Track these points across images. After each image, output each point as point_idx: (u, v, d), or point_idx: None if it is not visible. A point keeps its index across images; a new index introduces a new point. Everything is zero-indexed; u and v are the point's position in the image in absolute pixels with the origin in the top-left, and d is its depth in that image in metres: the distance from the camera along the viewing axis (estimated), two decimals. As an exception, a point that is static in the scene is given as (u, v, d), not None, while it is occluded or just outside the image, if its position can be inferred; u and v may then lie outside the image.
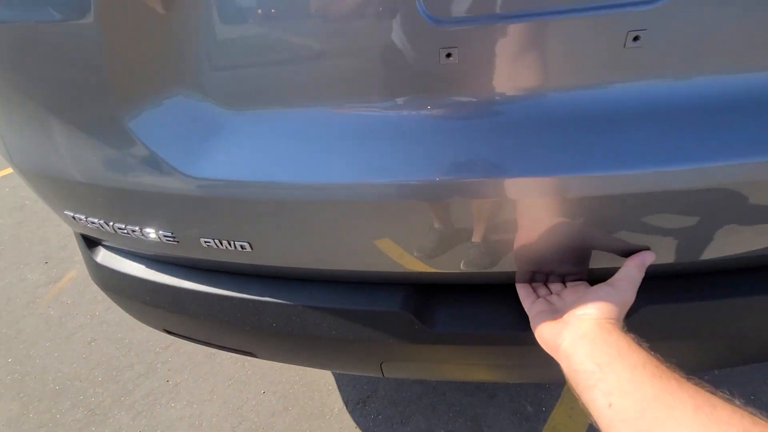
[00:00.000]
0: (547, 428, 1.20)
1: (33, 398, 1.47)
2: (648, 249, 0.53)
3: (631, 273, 0.51)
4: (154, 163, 0.52)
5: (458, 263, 0.57)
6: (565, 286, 0.58)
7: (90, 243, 0.82)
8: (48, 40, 0.46)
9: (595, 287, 0.52)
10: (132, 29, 0.45)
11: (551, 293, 0.58)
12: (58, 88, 0.51)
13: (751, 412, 0.31)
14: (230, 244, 0.60)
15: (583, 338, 0.45)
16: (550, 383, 1.30)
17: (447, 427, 1.23)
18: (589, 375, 0.41)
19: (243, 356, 1.41)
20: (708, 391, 0.34)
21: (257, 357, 0.85)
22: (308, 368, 1.42)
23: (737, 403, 0.32)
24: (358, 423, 1.27)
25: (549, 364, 0.50)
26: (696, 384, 0.35)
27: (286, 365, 1.44)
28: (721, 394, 0.33)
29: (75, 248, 2.20)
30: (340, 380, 1.40)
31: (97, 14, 0.43)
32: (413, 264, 0.58)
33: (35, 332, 1.73)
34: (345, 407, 1.32)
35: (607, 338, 0.44)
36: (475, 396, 1.30)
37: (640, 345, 0.42)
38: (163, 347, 1.59)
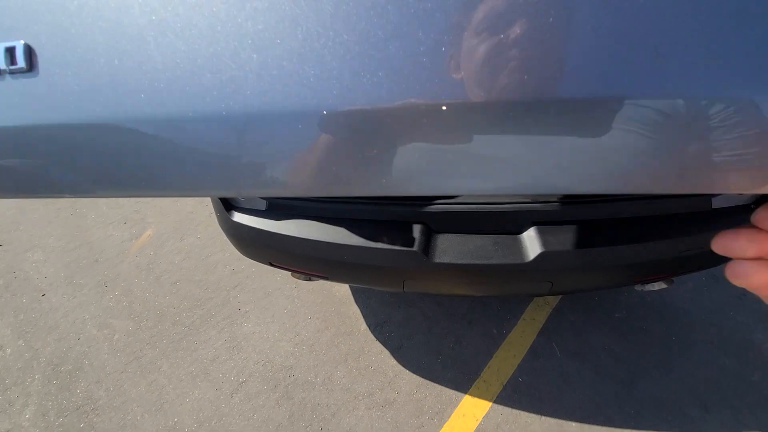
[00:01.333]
0: (505, 343, 1.78)
1: (142, 318, 2.05)
2: None
3: None
4: None
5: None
6: None
7: (227, 206, 1.36)
8: None
9: None
10: None
11: None
12: None
13: None
14: None
15: None
16: (515, 299, 1.88)
17: (438, 341, 1.81)
18: None
19: (293, 293, 2.03)
20: None
21: (329, 280, 1.40)
22: (342, 301, 2.00)
23: None
24: (377, 338, 1.85)
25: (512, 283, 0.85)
26: None
27: (326, 300, 2.01)
28: None
29: (147, 211, 2.76)
30: (364, 310, 1.97)
31: None
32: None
33: (131, 274, 2.30)
34: (368, 328, 1.89)
35: None
36: (458, 323, 1.87)
37: None
38: (233, 286, 2.16)
